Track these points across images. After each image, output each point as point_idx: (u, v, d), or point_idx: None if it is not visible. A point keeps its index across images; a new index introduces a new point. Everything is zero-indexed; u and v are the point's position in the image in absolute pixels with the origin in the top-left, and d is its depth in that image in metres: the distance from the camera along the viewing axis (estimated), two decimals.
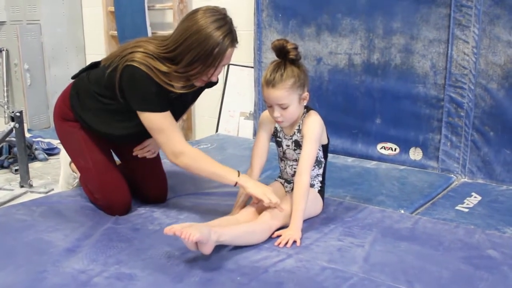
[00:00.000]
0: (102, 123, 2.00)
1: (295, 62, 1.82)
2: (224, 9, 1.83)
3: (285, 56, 1.80)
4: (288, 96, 1.80)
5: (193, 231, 1.54)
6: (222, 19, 1.79)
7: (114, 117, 1.95)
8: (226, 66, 3.58)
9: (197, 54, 1.76)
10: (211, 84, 2.07)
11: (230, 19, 1.83)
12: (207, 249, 1.61)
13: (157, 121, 1.84)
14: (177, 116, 2.07)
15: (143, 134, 1.93)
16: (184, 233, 1.54)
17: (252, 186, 1.81)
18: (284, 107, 1.82)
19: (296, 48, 1.81)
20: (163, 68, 1.81)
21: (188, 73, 1.82)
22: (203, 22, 1.76)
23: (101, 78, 1.92)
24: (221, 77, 3.62)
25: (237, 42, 1.85)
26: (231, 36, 1.80)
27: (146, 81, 1.80)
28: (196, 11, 1.81)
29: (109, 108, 1.94)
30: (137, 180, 2.17)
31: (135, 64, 1.80)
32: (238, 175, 1.83)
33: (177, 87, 1.87)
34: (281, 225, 1.84)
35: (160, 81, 1.81)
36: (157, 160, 2.26)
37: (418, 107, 2.75)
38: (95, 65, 2.03)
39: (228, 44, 1.78)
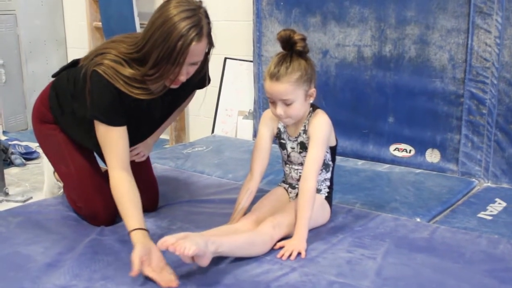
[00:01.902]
0: (81, 131, 2.01)
1: (302, 54, 1.83)
2: (200, 1, 1.79)
3: (292, 48, 1.81)
4: (293, 91, 1.81)
5: (188, 245, 1.53)
6: (192, 10, 1.73)
7: (91, 127, 1.93)
8: (223, 61, 3.59)
9: (161, 50, 1.71)
10: (201, 84, 2.07)
11: (204, 11, 1.78)
12: (204, 262, 1.61)
13: (102, 132, 1.85)
14: (159, 121, 2.09)
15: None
16: (179, 248, 1.53)
17: (137, 248, 1.64)
18: (288, 103, 1.82)
19: (303, 39, 1.82)
20: (131, 73, 1.80)
21: (159, 74, 1.77)
22: (170, 13, 1.71)
23: (78, 80, 1.93)
24: (217, 72, 3.67)
25: (209, 38, 1.79)
26: (198, 29, 1.71)
27: (103, 89, 1.80)
28: (168, 1, 1.76)
29: (85, 117, 1.93)
30: None
31: (99, 70, 1.80)
32: (138, 229, 1.71)
33: (156, 90, 1.87)
34: (284, 235, 1.84)
35: (127, 90, 1.80)
36: (147, 164, 2.26)
37: (435, 104, 2.75)
38: (77, 62, 2.04)
39: (193, 38, 1.70)
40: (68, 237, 1.95)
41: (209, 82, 2.10)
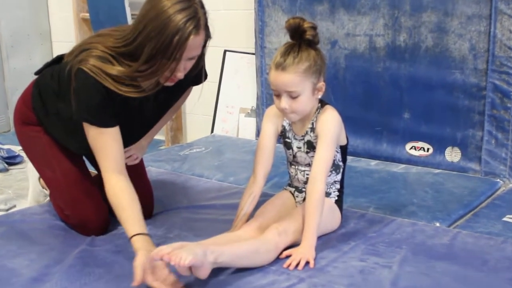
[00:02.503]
0: (67, 132, 2.02)
1: (312, 44, 1.84)
2: None
3: (301, 37, 1.82)
4: (300, 83, 1.81)
5: (184, 254, 1.54)
6: (187, 0, 1.74)
7: (77, 128, 1.94)
8: (222, 53, 3.59)
9: (156, 44, 1.72)
10: (197, 80, 2.08)
11: (199, 0, 1.79)
12: (203, 273, 1.61)
13: (93, 135, 1.86)
14: (152, 120, 2.11)
15: None
16: (174, 257, 1.53)
17: (139, 255, 1.65)
18: (294, 96, 1.83)
19: (314, 27, 1.83)
20: (119, 71, 1.80)
21: (152, 70, 1.78)
22: (163, 4, 1.72)
23: (62, 77, 1.94)
24: (216, 66, 3.67)
25: (207, 30, 1.80)
26: (195, 21, 1.72)
27: (90, 89, 1.81)
28: None
29: (71, 117, 1.94)
30: None
31: (85, 68, 1.80)
32: (140, 234, 1.73)
33: (148, 88, 1.88)
34: (290, 243, 1.84)
35: (116, 88, 1.81)
36: (140, 167, 2.27)
37: (455, 98, 2.75)
38: (61, 58, 2.05)
39: (190, 31, 1.71)
40: (55, 248, 1.95)
41: (206, 78, 2.11)
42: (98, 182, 2.12)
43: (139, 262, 1.62)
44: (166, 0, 1.72)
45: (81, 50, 1.87)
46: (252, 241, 1.79)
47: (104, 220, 2.08)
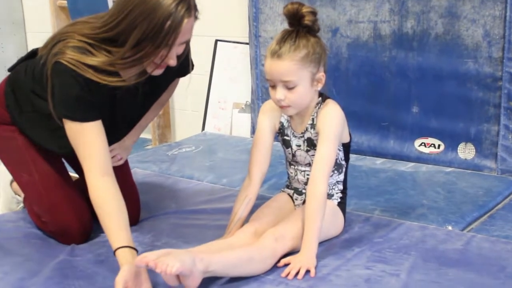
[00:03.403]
0: (44, 131, 2.02)
1: (311, 31, 1.85)
2: None
3: (299, 23, 1.83)
4: (297, 72, 1.82)
5: (171, 261, 1.54)
6: None
7: (57, 126, 1.94)
8: (213, 43, 3.59)
9: (144, 30, 1.74)
10: (184, 70, 2.08)
11: None
12: (193, 283, 1.61)
13: (73, 132, 1.86)
14: (136, 116, 2.12)
15: None
16: (160, 264, 1.54)
17: (123, 269, 1.66)
18: (290, 87, 1.83)
19: (313, 12, 1.84)
20: (99, 61, 1.81)
21: (137, 56, 1.80)
22: None
23: (37, 72, 1.94)
24: (207, 57, 3.67)
25: (196, 11, 1.83)
26: (186, 3, 1.76)
27: (68, 81, 1.82)
28: None
29: (50, 114, 1.94)
30: None
31: (62, 60, 1.81)
32: (126, 247, 1.72)
33: (130, 77, 1.90)
34: (289, 250, 1.84)
35: (97, 78, 1.82)
36: (125, 169, 2.28)
37: (468, 89, 2.75)
38: (36, 53, 2.05)
39: (183, 14, 1.75)
40: (31, 259, 1.95)
41: (192, 68, 2.12)
42: (80, 186, 2.12)
43: (122, 277, 1.62)
44: None
45: (55, 41, 1.87)
46: (247, 248, 1.79)
47: (86, 227, 2.08)
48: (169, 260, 1.55)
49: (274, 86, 1.86)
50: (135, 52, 1.78)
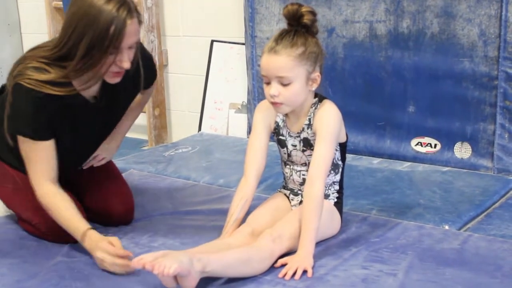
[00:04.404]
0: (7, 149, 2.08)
1: (309, 31, 1.86)
2: None
3: (298, 22, 1.84)
4: (293, 68, 1.82)
5: (168, 262, 1.54)
6: None
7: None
8: (209, 44, 3.59)
9: (91, 39, 1.82)
10: (145, 83, 2.14)
11: None
12: (190, 284, 1.61)
13: (25, 148, 1.97)
14: (104, 127, 2.17)
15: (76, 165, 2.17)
16: (157, 265, 1.54)
17: (113, 242, 1.87)
18: (285, 83, 1.83)
19: (312, 12, 1.85)
20: (55, 77, 1.90)
21: (89, 64, 1.87)
22: (89, 1, 1.82)
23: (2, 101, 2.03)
24: (203, 58, 3.66)
25: (138, 14, 1.90)
26: (127, 7, 1.84)
27: (25, 99, 1.91)
28: None
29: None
30: (89, 195, 2.22)
31: (22, 82, 1.89)
32: (92, 229, 1.92)
33: (85, 84, 1.94)
34: (286, 251, 1.84)
35: (55, 91, 1.90)
36: (112, 169, 2.34)
37: (464, 88, 2.75)
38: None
39: (125, 16, 1.82)
40: (28, 261, 1.95)
41: (155, 77, 2.26)
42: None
43: (119, 244, 1.85)
44: None
45: (16, 65, 1.96)
46: (244, 248, 1.79)
47: None
48: (167, 261, 1.55)
49: (269, 83, 1.86)
50: (86, 60, 1.86)
